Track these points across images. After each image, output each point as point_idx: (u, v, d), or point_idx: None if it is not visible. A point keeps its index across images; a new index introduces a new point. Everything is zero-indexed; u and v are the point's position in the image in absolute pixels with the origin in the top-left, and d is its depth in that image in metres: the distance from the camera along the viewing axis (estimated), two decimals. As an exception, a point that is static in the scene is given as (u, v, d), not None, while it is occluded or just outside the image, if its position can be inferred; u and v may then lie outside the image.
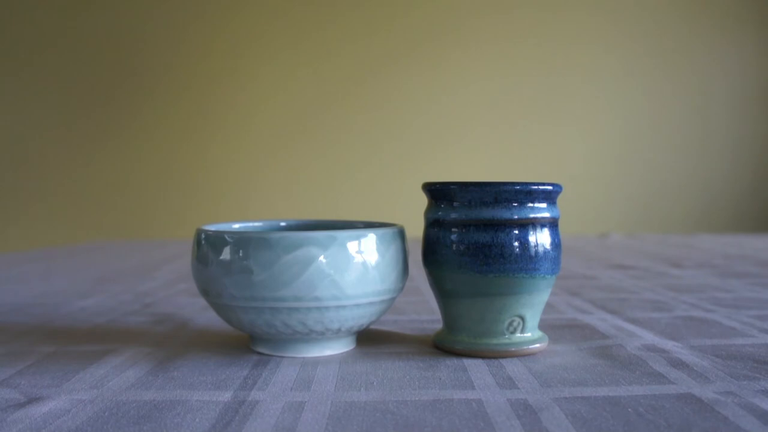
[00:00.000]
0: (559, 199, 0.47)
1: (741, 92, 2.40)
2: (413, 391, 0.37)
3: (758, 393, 0.36)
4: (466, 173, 2.21)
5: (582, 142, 2.40)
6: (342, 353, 0.45)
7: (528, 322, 0.44)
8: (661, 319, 0.56)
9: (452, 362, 0.43)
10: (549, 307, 0.62)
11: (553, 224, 0.45)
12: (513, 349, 0.43)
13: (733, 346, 0.47)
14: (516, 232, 0.43)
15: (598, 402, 0.35)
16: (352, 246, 0.42)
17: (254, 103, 2.35)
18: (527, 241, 0.43)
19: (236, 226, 0.51)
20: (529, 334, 0.44)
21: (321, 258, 0.41)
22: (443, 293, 0.45)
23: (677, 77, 2.39)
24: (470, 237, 0.43)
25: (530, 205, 0.43)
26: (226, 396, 0.36)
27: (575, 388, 0.37)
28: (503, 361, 0.43)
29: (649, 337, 0.49)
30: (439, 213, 0.45)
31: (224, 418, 0.33)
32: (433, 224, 0.45)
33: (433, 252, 0.45)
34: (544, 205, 0.44)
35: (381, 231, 0.43)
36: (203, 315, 0.60)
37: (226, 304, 0.43)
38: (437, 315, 0.58)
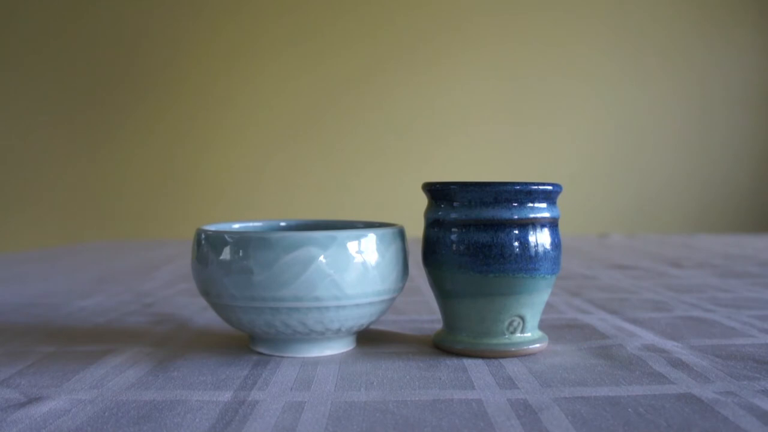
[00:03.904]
0: (559, 199, 0.47)
1: (741, 92, 2.40)
2: (413, 391, 0.37)
3: (758, 393, 0.36)
4: (466, 173, 2.21)
5: (582, 142, 2.40)
6: (342, 353, 0.45)
7: (528, 322, 0.44)
8: (661, 319, 0.56)
9: (452, 362, 0.43)
10: (549, 307, 0.62)
11: (553, 224, 0.45)
12: (513, 349, 0.43)
13: (733, 346, 0.47)
14: (516, 232, 0.43)
15: (598, 402, 0.35)
16: (352, 246, 0.42)
17: (254, 103, 2.35)
18: (527, 241, 0.43)
19: (236, 226, 0.51)
20: (529, 334, 0.44)
21: (321, 258, 0.41)
22: (443, 293, 0.45)
23: (677, 77, 2.39)
24: (470, 237, 0.43)
25: (530, 205, 0.43)
26: (226, 396, 0.36)
27: (575, 388, 0.37)
28: (503, 361, 0.43)
29: (649, 337, 0.49)
30: (439, 213, 0.45)
31: (224, 418, 0.33)
32: (433, 224, 0.45)
33: (433, 252, 0.45)
34: (544, 205, 0.44)
35: (381, 231, 0.43)
36: (203, 315, 0.60)
37: (226, 304, 0.43)
38: (437, 315, 0.58)
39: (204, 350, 0.46)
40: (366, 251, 0.42)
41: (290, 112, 2.36)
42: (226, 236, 0.42)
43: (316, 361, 0.43)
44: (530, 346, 0.44)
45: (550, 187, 0.44)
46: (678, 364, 0.42)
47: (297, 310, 0.41)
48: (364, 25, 2.36)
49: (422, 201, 0.49)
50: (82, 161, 2.36)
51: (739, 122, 2.40)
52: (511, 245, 0.42)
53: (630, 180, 2.40)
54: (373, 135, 2.38)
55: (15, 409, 0.34)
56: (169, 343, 0.49)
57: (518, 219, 0.43)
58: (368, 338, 0.49)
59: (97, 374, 0.40)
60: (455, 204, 0.44)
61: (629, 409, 0.34)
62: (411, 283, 0.77)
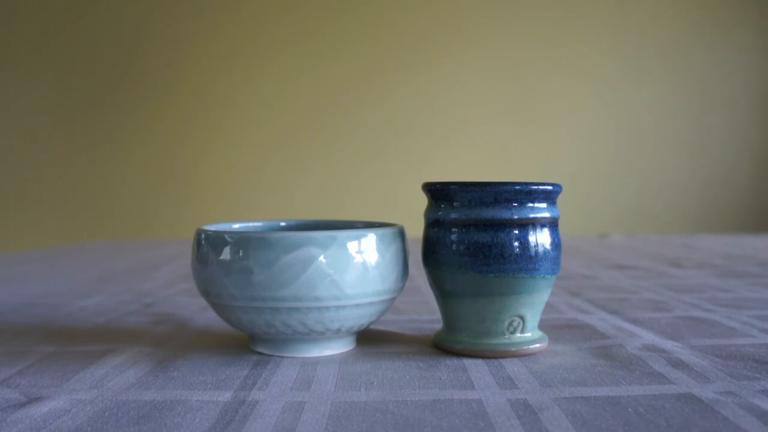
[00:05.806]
0: (559, 199, 0.47)
1: (741, 92, 2.40)
2: (413, 391, 0.37)
3: (758, 393, 0.36)
4: (466, 173, 2.21)
5: (582, 141, 2.40)
6: (342, 353, 0.45)
7: (528, 322, 0.44)
8: (661, 319, 0.56)
9: (452, 362, 0.43)
10: (549, 307, 0.62)
11: (553, 224, 0.45)
12: (513, 349, 0.43)
13: (733, 346, 0.47)
14: (516, 232, 0.43)
15: (598, 402, 0.35)
16: (352, 246, 0.42)
17: (254, 103, 2.35)
18: (527, 241, 0.43)
19: (236, 226, 0.51)
20: (529, 334, 0.44)
21: (321, 258, 0.41)
22: (443, 293, 0.45)
23: (677, 77, 2.39)
24: (470, 237, 0.43)
25: (530, 205, 0.43)
26: (226, 396, 0.36)
27: (575, 388, 0.37)
28: (503, 361, 0.43)
29: (649, 337, 0.49)
30: (439, 213, 0.45)
31: (224, 418, 0.33)
32: (433, 224, 0.45)
33: (433, 252, 0.45)
34: (544, 205, 0.44)
35: (381, 231, 0.43)
36: (203, 315, 0.60)
37: (226, 304, 0.43)
38: (437, 315, 0.58)
39: (204, 350, 0.46)
40: (366, 251, 0.42)
41: (290, 112, 2.36)
42: (226, 236, 0.42)
43: (316, 361, 0.43)
44: (530, 346, 0.44)
45: (550, 187, 0.44)
46: (678, 364, 0.42)
47: (297, 310, 0.41)
48: (364, 25, 2.36)
49: (422, 201, 0.49)
50: (82, 161, 2.35)
51: (739, 122, 2.40)
52: (511, 245, 0.42)
53: (630, 180, 2.40)
54: (373, 135, 2.38)
55: (15, 409, 0.34)
56: (169, 343, 0.49)
57: (518, 219, 0.43)
58: (368, 338, 0.49)
59: (97, 374, 0.40)
60: (455, 204, 0.44)
61: (629, 409, 0.34)
62: (411, 283, 0.77)
